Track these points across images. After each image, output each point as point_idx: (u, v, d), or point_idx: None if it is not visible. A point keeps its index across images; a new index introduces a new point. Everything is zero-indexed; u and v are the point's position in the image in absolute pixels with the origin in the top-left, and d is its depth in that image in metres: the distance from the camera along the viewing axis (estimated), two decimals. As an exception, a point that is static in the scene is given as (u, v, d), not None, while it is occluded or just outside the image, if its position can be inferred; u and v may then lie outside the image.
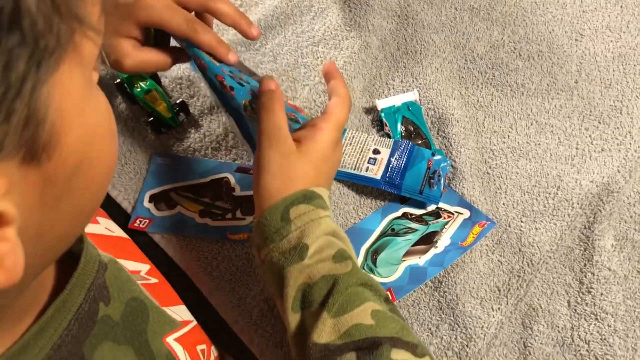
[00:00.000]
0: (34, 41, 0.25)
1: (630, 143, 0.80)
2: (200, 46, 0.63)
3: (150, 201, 0.78)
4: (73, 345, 0.39)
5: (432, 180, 0.74)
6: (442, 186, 0.75)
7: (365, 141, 0.77)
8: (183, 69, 0.88)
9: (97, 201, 0.35)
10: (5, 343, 0.36)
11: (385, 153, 0.76)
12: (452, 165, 0.79)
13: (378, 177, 0.74)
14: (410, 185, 0.74)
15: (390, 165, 0.75)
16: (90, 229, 0.66)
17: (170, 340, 0.56)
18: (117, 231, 0.72)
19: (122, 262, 0.60)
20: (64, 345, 0.38)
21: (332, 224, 0.59)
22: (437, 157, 0.76)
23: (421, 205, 0.76)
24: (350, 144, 0.77)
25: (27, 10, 0.24)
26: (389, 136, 0.80)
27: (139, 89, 0.83)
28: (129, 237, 0.72)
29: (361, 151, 0.76)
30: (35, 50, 0.25)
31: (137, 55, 0.64)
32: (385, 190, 0.76)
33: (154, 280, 0.66)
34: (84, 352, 0.40)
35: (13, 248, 0.27)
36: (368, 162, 0.76)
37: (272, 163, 0.58)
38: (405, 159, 0.75)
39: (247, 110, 0.65)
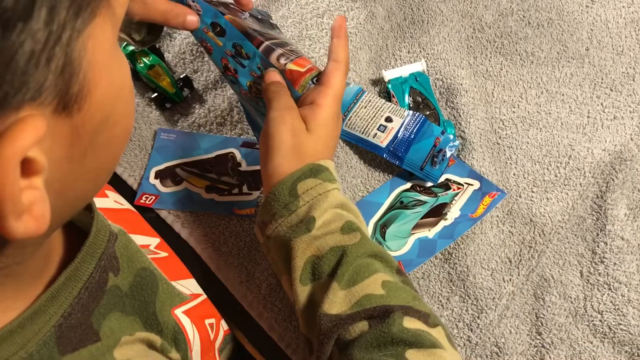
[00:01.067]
0: None
1: (643, 110, 0.78)
2: None
3: (155, 177, 0.78)
4: (82, 314, 0.40)
5: (435, 159, 0.73)
6: (444, 166, 0.73)
7: (381, 107, 0.75)
8: (186, 44, 0.87)
9: (116, 159, 0.36)
10: (18, 307, 0.36)
11: (397, 123, 0.74)
12: (461, 137, 0.77)
13: (383, 145, 0.73)
14: (413, 160, 0.73)
15: (398, 135, 0.73)
16: (99, 203, 0.65)
17: (179, 312, 0.55)
18: (126, 204, 0.71)
19: (131, 236, 0.60)
20: (73, 313, 0.38)
21: (340, 196, 0.58)
22: (449, 135, 0.74)
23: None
24: (365, 108, 0.75)
25: None
26: (396, 108, 0.78)
27: (142, 65, 0.81)
28: (137, 211, 0.72)
29: (374, 116, 0.75)
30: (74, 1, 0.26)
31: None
32: (388, 161, 0.74)
33: (163, 254, 0.66)
34: (92, 321, 0.41)
35: (42, 197, 0.28)
36: (378, 129, 0.74)
37: (283, 142, 0.57)
38: (413, 132, 0.74)
39: (251, 91, 0.64)
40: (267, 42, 0.63)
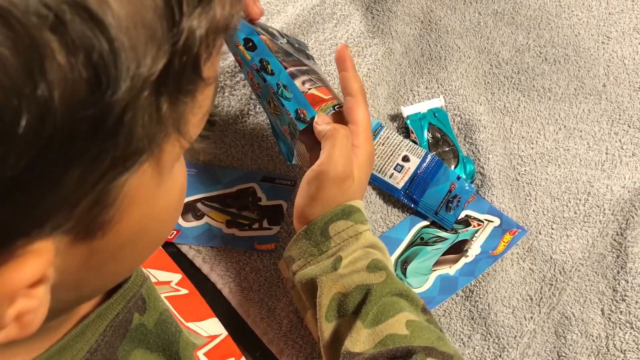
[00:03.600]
0: (124, 145, 0.23)
1: (661, 147, 0.78)
2: None
3: (177, 212, 0.78)
4: (107, 350, 0.41)
5: (450, 204, 0.73)
6: (459, 212, 0.74)
7: (399, 145, 0.76)
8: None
9: (139, 263, 0.36)
10: (46, 344, 0.37)
11: (414, 163, 0.75)
12: (480, 172, 0.78)
13: (399, 186, 0.74)
14: (428, 204, 0.74)
15: (415, 178, 0.74)
16: None
17: (200, 354, 0.56)
18: None
19: (154, 272, 0.61)
20: (99, 349, 0.39)
21: (371, 237, 0.60)
22: (464, 182, 0.75)
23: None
24: (383, 145, 0.76)
25: (131, 120, 0.23)
26: (415, 143, 0.79)
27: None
28: (161, 247, 0.72)
29: (391, 154, 0.75)
30: (122, 153, 0.24)
31: None
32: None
33: (184, 291, 0.66)
34: (117, 357, 0.41)
35: (37, 306, 0.25)
36: (394, 169, 0.75)
37: (329, 197, 0.59)
38: (429, 176, 0.74)
39: (270, 105, 0.66)
40: (293, 69, 0.66)
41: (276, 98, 0.64)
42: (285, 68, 0.65)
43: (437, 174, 0.74)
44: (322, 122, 0.61)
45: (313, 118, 0.62)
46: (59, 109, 0.20)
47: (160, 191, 0.29)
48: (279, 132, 0.70)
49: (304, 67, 0.68)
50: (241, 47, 0.66)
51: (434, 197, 0.74)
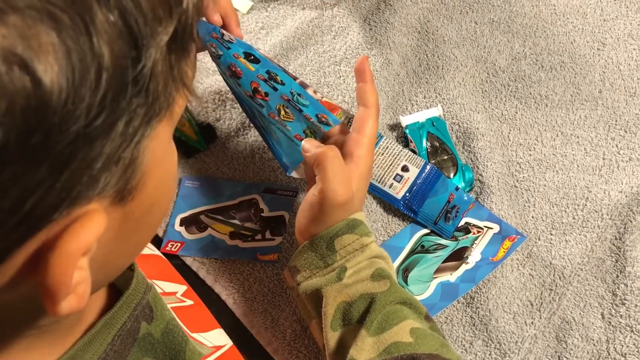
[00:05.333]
0: (152, 101, 0.28)
1: (658, 152, 0.79)
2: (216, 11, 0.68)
3: (181, 224, 0.80)
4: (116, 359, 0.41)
5: (449, 215, 0.74)
6: (458, 222, 0.75)
7: (398, 155, 0.77)
8: (209, 92, 0.90)
9: (153, 233, 0.39)
10: (55, 354, 0.38)
11: (413, 172, 0.76)
12: (479, 180, 0.79)
13: (399, 196, 0.75)
14: (427, 214, 0.75)
15: (414, 188, 0.75)
16: None
17: None
18: (156, 250, 0.74)
19: (159, 282, 0.62)
20: (108, 358, 0.40)
21: (376, 248, 0.61)
22: (462, 192, 0.76)
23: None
24: (382, 154, 0.77)
25: (157, 74, 0.27)
26: (414, 152, 0.80)
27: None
28: (166, 258, 0.74)
29: (391, 164, 0.77)
30: (150, 109, 0.28)
31: None
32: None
33: (189, 302, 0.67)
34: None
35: (86, 277, 0.29)
36: (394, 179, 0.76)
37: (332, 218, 0.60)
38: (428, 186, 0.75)
39: (279, 113, 0.67)
40: (300, 80, 0.68)
41: (291, 105, 0.66)
42: (295, 79, 0.67)
43: (436, 185, 0.75)
44: (311, 147, 0.62)
45: (336, 122, 0.65)
46: (110, 64, 0.25)
47: (167, 157, 0.33)
48: (284, 141, 0.71)
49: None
50: (242, 60, 0.67)
51: (433, 207, 0.75)
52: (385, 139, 0.78)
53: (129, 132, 0.27)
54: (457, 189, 0.76)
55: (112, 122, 0.26)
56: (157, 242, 0.79)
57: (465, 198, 0.75)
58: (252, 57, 0.67)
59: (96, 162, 0.26)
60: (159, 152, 0.31)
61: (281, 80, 0.67)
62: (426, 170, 0.76)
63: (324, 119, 0.66)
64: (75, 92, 0.24)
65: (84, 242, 0.27)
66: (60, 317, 0.29)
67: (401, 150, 0.78)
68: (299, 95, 0.66)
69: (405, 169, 0.76)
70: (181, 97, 0.31)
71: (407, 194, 0.75)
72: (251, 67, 0.67)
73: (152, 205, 0.33)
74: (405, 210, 0.76)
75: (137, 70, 0.26)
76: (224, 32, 0.67)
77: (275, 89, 0.66)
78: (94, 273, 0.31)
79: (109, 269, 0.35)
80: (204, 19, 0.67)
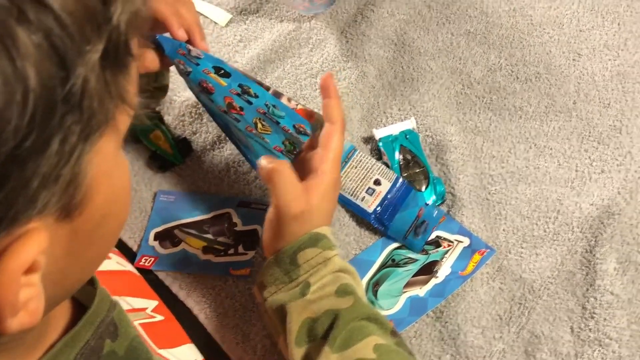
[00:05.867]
0: (88, 118, 0.28)
1: (630, 163, 0.79)
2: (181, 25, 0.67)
3: (155, 239, 0.80)
4: None
5: (418, 229, 0.74)
6: (427, 237, 0.75)
7: (371, 168, 0.77)
8: (185, 106, 0.90)
9: (110, 248, 0.39)
10: None
11: (385, 186, 0.76)
12: (451, 193, 0.79)
13: (370, 210, 0.75)
14: (397, 228, 0.75)
15: (385, 202, 0.75)
16: (102, 265, 0.68)
17: None
18: (128, 266, 0.74)
19: (129, 299, 0.62)
20: None
21: (340, 262, 0.61)
22: (432, 208, 0.76)
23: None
24: (356, 167, 0.77)
25: (89, 91, 0.28)
26: (387, 165, 0.81)
27: (142, 128, 0.85)
28: (138, 273, 0.74)
29: (363, 178, 0.77)
30: (87, 126, 0.28)
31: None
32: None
33: (159, 317, 0.68)
34: None
35: (37, 293, 0.30)
36: (366, 192, 0.76)
37: (291, 232, 0.61)
38: (399, 201, 0.76)
39: (257, 127, 0.67)
40: (273, 89, 0.68)
41: (267, 117, 0.66)
42: (268, 89, 0.67)
43: (407, 199, 0.76)
44: (265, 164, 0.62)
45: (313, 130, 0.65)
46: (37, 85, 0.25)
47: (115, 170, 0.34)
48: (262, 153, 0.71)
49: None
50: (213, 75, 0.67)
51: (402, 221, 0.75)
52: (358, 153, 0.78)
53: (66, 150, 0.27)
54: (427, 204, 0.76)
55: (44, 141, 0.26)
56: (132, 256, 0.79)
57: (435, 213, 0.76)
58: (222, 71, 0.67)
59: (32, 182, 0.26)
60: (104, 166, 0.31)
61: (254, 93, 0.67)
62: (398, 184, 0.76)
63: (301, 129, 0.66)
64: (1, 115, 0.24)
65: (24, 260, 0.27)
66: (11, 334, 0.29)
67: (374, 164, 0.78)
68: (274, 106, 0.66)
69: (377, 182, 0.77)
70: (122, 113, 0.32)
71: (379, 208, 0.75)
72: (223, 82, 0.67)
73: (103, 218, 0.33)
74: (376, 223, 0.76)
75: (66, 89, 0.26)
76: (190, 47, 0.67)
77: (250, 103, 0.67)
78: (50, 288, 0.31)
79: (67, 283, 0.36)
80: (168, 34, 0.68)
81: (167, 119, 0.90)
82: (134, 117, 0.34)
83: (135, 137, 0.86)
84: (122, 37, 0.30)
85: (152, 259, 0.79)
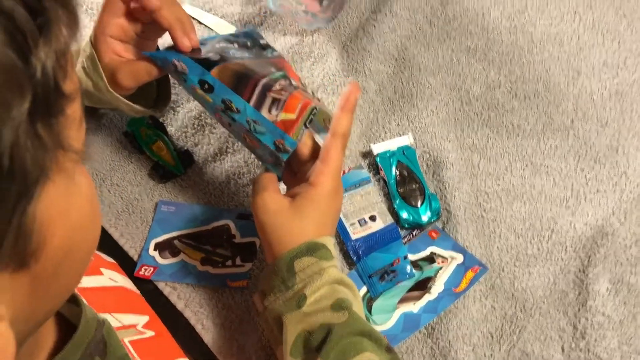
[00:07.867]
0: (22, 178, 0.27)
1: (625, 184, 0.80)
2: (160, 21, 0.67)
3: (155, 249, 0.82)
4: None
5: (385, 276, 0.75)
6: (389, 287, 0.74)
7: (374, 204, 0.80)
8: (188, 117, 0.92)
9: (81, 274, 0.38)
10: None
11: (377, 225, 0.78)
12: (446, 210, 0.80)
13: (353, 237, 0.77)
14: (368, 265, 0.76)
15: (370, 238, 0.77)
16: (92, 281, 0.69)
17: None
18: (121, 281, 0.75)
19: (119, 315, 0.63)
20: None
21: (336, 274, 0.62)
22: (407, 264, 0.75)
23: (414, 251, 0.77)
24: (361, 197, 0.79)
25: (19, 154, 0.26)
26: (384, 180, 0.82)
27: (145, 139, 0.86)
28: (132, 287, 0.75)
29: (363, 209, 0.79)
30: (22, 185, 0.27)
31: (127, 67, 0.69)
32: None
33: (150, 333, 0.68)
34: None
35: (6, 337, 0.29)
36: (359, 221, 0.79)
37: (282, 240, 0.62)
38: (383, 242, 0.77)
39: (246, 140, 0.68)
40: (261, 82, 0.66)
41: (251, 135, 0.66)
42: (248, 100, 0.65)
43: (390, 244, 0.77)
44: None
45: (293, 146, 0.64)
46: None
47: (70, 204, 0.32)
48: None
49: (264, 72, 0.68)
50: (199, 91, 0.66)
51: (376, 261, 0.76)
52: (372, 186, 0.80)
53: (5, 211, 0.27)
54: (405, 257, 0.76)
55: None
56: (132, 265, 0.81)
57: (408, 272, 0.75)
58: (205, 85, 0.65)
59: None
60: (54, 208, 0.30)
61: (236, 108, 0.65)
62: (389, 228, 0.78)
63: (281, 146, 0.64)
64: None
65: None
66: None
67: (378, 202, 0.80)
68: (255, 122, 0.64)
69: (373, 218, 0.78)
70: (66, 158, 0.30)
71: (360, 240, 0.77)
72: (208, 98, 0.66)
73: (65, 255, 0.33)
74: (351, 252, 0.77)
75: None
76: (176, 62, 0.66)
77: (234, 120, 0.65)
78: (21, 325, 0.32)
79: (38, 316, 0.36)
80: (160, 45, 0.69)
81: (170, 130, 0.91)
82: (82, 154, 0.33)
83: (139, 148, 0.88)
84: (50, 83, 0.28)
85: (152, 268, 0.80)
